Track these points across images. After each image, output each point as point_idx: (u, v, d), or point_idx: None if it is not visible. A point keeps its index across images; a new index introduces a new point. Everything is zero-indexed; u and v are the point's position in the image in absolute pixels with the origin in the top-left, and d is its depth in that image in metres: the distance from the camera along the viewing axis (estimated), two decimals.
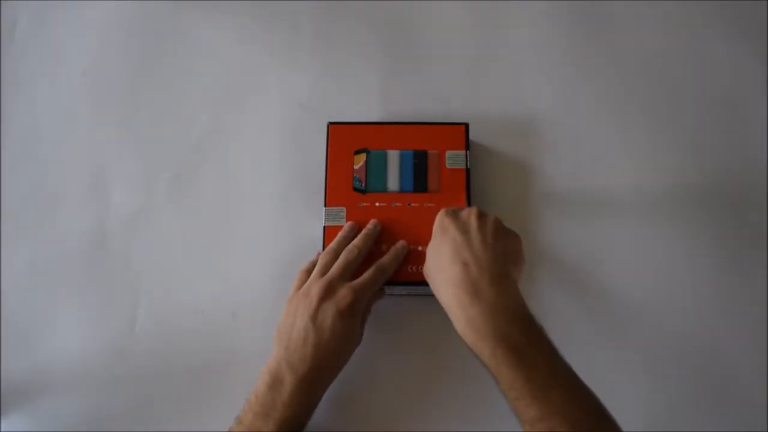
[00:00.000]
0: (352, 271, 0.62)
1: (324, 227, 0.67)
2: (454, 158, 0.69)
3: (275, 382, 0.58)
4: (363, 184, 0.69)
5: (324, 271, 0.62)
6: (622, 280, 0.69)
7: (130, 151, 0.76)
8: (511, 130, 0.74)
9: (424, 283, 0.65)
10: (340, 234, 0.66)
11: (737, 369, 0.66)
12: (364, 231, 0.66)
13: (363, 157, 0.70)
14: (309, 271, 0.64)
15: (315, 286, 0.60)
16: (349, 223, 0.67)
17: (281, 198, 0.73)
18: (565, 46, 0.78)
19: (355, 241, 0.64)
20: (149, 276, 0.71)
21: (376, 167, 0.69)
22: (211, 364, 0.67)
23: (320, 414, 0.63)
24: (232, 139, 0.76)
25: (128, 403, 0.67)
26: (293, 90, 0.77)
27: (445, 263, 0.57)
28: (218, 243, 0.72)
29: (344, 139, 0.70)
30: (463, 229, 0.58)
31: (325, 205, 0.68)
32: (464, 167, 0.69)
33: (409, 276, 0.66)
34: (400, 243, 0.66)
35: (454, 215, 0.60)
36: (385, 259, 0.64)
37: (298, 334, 0.58)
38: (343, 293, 0.59)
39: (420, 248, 0.66)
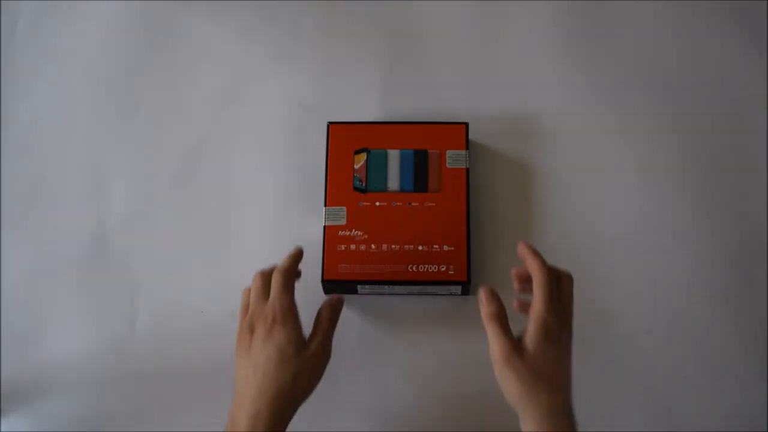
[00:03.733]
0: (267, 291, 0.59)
1: (324, 227, 0.67)
2: (454, 158, 0.69)
3: (232, 424, 0.56)
4: (363, 184, 0.69)
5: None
6: (622, 279, 0.69)
7: (130, 151, 0.76)
8: (511, 130, 0.74)
9: (423, 283, 0.65)
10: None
11: (737, 369, 0.66)
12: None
13: (363, 156, 0.70)
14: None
15: (241, 326, 0.59)
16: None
17: (281, 198, 0.73)
18: (565, 45, 0.78)
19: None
20: (149, 276, 0.71)
21: (376, 167, 0.69)
22: (210, 364, 0.67)
23: (320, 413, 0.64)
24: (232, 139, 0.76)
25: (128, 403, 0.67)
26: (293, 90, 0.77)
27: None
28: (218, 243, 0.72)
29: (344, 138, 0.70)
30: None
31: (326, 205, 0.68)
32: (465, 167, 0.69)
33: (408, 275, 0.66)
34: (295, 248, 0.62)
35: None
36: (283, 262, 0.61)
37: (240, 375, 0.57)
38: (264, 316, 0.57)
39: (420, 248, 0.66)
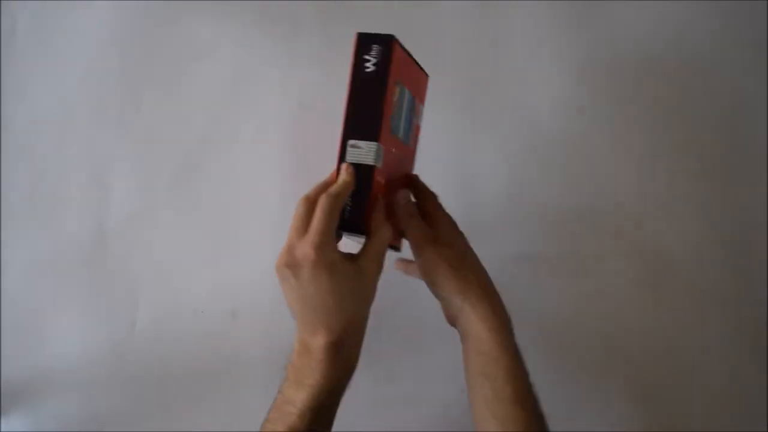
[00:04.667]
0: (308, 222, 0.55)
1: (373, 168, 0.55)
2: (421, 114, 0.62)
3: (304, 350, 0.55)
4: (398, 125, 0.58)
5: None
6: (622, 278, 0.69)
7: (130, 151, 0.76)
8: (513, 127, 0.74)
9: None
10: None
11: (737, 369, 0.66)
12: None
13: (398, 91, 0.57)
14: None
15: (283, 255, 0.55)
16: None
17: (281, 197, 0.73)
18: (565, 45, 0.78)
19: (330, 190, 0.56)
20: (149, 276, 0.72)
21: (404, 109, 0.59)
22: (210, 364, 0.67)
23: None
24: (232, 139, 0.76)
25: (128, 403, 0.67)
26: (293, 90, 0.77)
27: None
28: (218, 243, 0.72)
29: (397, 66, 0.57)
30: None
31: (378, 140, 0.55)
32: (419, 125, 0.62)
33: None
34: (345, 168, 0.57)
35: None
36: (333, 187, 0.56)
37: (294, 304, 0.55)
38: (305, 257, 0.53)
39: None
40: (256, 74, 0.78)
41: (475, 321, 0.55)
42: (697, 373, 0.66)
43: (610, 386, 0.66)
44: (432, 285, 0.58)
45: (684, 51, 0.77)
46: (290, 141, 0.75)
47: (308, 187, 0.72)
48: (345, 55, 0.79)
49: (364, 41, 0.57)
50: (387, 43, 0.56)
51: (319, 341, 0.54)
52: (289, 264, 0.54)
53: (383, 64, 0.56)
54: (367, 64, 0.57)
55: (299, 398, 0.53)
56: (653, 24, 0.79)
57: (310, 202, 0.55)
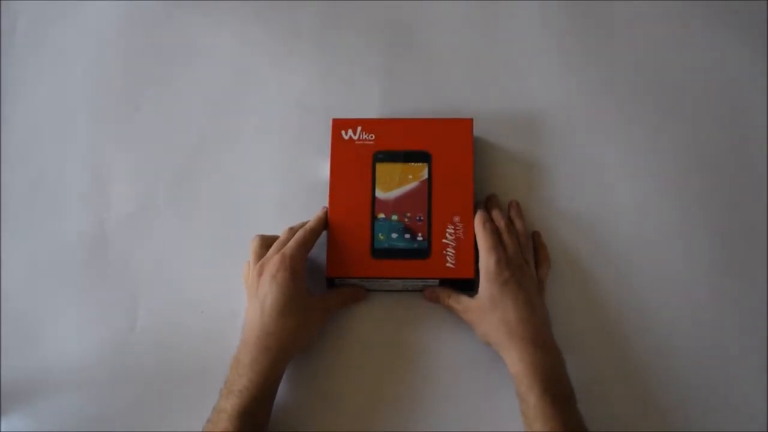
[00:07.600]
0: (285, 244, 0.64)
1: None
2: None
3: (235, 362, 0.61)
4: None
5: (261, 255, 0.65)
6: (623, 277, 0.69)
7: (130, 151, 0.76)
8: (513, 127, 0.74)
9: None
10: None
11: (737, 369, 0.66)
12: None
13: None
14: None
15: (252, 271, 0.64)
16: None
17: (281, 198, 0.73)
18: (566, 44, 0.78)
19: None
20: (149, 276, 0.72)
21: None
22: (210, 364, 0.67)
23: (311, 411, 0.65)
24: (232, 139, 0.76)
25: (128, 403, 0.67)
26: (293, 90, 0.77)
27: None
28: (218, 243, 0.72)
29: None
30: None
31: None
32: None
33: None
34: (321, 208, 0.68)
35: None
36: (310, 222, 0.67)
37: (249, 315, 0.62)
38: (274, 261, 0.62)
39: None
40: (256, 74, 0.78)
41: (509, 365, 0.61)
42: (696, 372, 0.66)
43: (608, 387, 0.66)
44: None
45: (684, 51, 0.77)
46: (290, 141, 0.75)
47: (307, 186, 0.72)
48: (345, 54, 0.79)
49: None
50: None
51: (248, 348, 0.60)
52: (260, 271, 0.62)
53: None
54: None
55: (230, 404, 0.58)
56: (654, 23, 0.79)
57: (293, 232, 0.65)
